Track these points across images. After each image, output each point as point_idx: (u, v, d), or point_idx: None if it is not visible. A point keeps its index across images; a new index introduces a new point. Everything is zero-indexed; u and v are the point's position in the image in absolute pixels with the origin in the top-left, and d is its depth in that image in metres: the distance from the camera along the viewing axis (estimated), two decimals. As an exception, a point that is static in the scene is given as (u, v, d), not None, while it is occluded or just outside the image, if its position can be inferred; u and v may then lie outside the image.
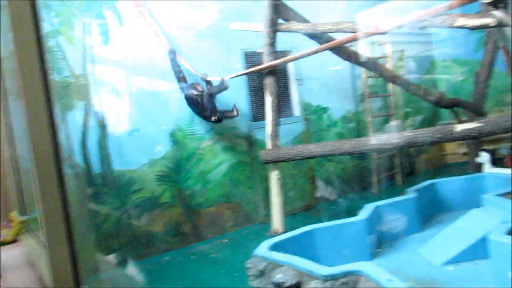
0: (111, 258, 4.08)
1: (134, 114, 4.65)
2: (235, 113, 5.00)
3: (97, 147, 4.37)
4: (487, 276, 2.81)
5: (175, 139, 4.88)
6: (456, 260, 3.09)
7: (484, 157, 5.13)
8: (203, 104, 4.65)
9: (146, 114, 4.73)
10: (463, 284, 2.77)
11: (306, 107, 5.97)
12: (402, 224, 3.88)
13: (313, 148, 4.38)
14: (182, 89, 4.72)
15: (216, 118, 4.72)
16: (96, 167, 4.35)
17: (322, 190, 5.95)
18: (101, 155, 4.40)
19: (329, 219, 3.50)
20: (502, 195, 3.65)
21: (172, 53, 4.71)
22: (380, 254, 3.54)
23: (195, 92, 4.64)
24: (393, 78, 5.31)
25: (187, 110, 4.90)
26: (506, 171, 4.96)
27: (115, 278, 3.17)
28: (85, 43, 4.39)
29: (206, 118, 4.76)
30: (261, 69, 4.74)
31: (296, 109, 5.95)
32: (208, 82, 4.83)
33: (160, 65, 4.81)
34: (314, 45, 4.67)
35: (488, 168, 5.10)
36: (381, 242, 3.73)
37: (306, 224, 3.37)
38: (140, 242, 4.56)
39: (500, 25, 3.11)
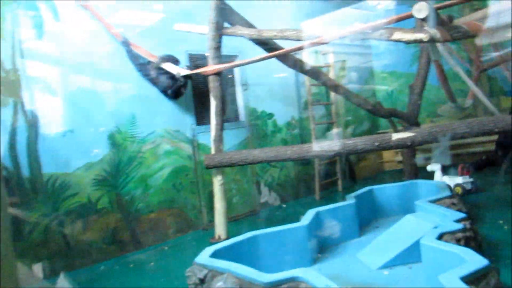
0: (38, 268, 3.78)
1: (69, 114, 4.38)
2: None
3: (26, 149, 4.04)
4: (420, 279, 2.93)
5: (114, 142, 4.65)
6: (391, 264, 3.19)
7: (435, 166, 5.43)
8: (160, 80, 4.81)
9: (83, 114, 4.47)
10: (397, 286, 2.87)
11: (251, 113, 5.97)
12: (342, 229, 3.96)
13: (257, 153, 4.37)
14: (143, 74, 4.81)
15: (173, 91, 4.86)
16: (25, 170, 4.02)
17: (266, 196, 5.98)
18: (31, 157, 4.07)
19: (273, 225, 3.49)
20: (434, 201, 3.86)
21: (125, 43, 4.60)
22: (320, 259, 3.59)
23: (152, 71, 4.77)
24: (335, 87, 5.48)
25: (128, 111, 4.70)
26: (454, 179, 5.31)
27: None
28: (16, 36, 4.06)
29: (167, 94, 4.96)
30: (206, 73, 4.67)
31: (242, 114, 5.93)
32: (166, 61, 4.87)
33: (100, 64, 4.58)
34: (259, 51, 4.69)
35: (439, 177, 5.41)
36: (322, 248, 3.79)
37: (250, 230, 3.33)
38: (73, 251, 4.27)
39: (432, 40, 3.29)
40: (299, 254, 3.37)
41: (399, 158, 7.16)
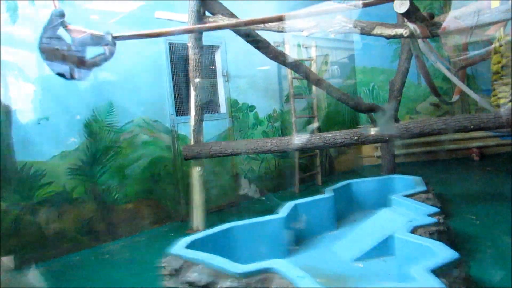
0: (9, 260, 3.68)
1: (44, 101, 4.26)
2: (107, 53, 3.77)
3: (-1, 136, 3.93)
4: (392, 271, 2.98)
5: (91, 130, 4.56)
6: (366, 256, 3.23)
7: None
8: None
9: (59, 101, 4.35)
10: (370, 279, 2.91)
11: (232, 104, 5.94)
12: (319, 222, 3.99)
13: (237, 145, 4.36)
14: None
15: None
16: (-4, 157, 3.90)
17: (246, 188, 5.98)
18: (4, 144, 3.95)
19: (251, 217, 3.49)
20: (410, 196, 3.93)
21: (59, 15, 3.56)
22: (297, 251, 3.61)
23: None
24: (317, 81, 5.48)
25: (105, 99, 4.61)
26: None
27: (12, 282, 2.86)
28: (-13, 18, 3.92)
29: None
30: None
31: (222, 106, 5.90)
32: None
33: (76, 49, 4.45)
34: (241, 42, 4.65)
35: None
36: (299, 240, 3.81)
37: (227, 222, 3.32)
38: (47, 241, 4.18)
39: (412, 36, 3.33)
40: (275, 246, 3.38)
41: (379, 153, 7.25)
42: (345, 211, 4.48)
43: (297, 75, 5.90)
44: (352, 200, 4.63)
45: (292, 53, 6.23)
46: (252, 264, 2.43)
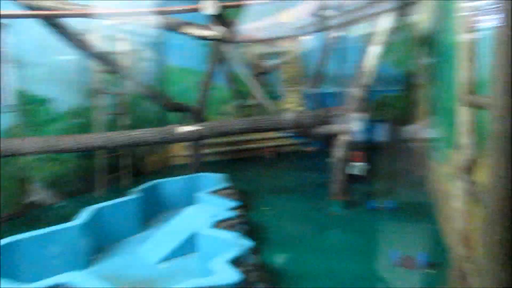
0: None
1: None
2: None
3: None
4: (196, 267, 3.05)
5: None
6: (170, 256, 3.22)
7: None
8: None
9: None
10: (175, 278, 2.91)
11: (22, 96, 5.08)
12: (123, 225, 3.78)
13: (21, 144, 3.71)
14: None
15: None
16: None
17: (37, 194, 5.19)
18: None
19: (43, 227, 3.03)
20: (213, 192, 4.11)
21: None
22: (98, 259, 3.32)
23: None
24: (127, 77, 5.21)
25: None
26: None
27: None
28: None
29: None
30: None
31: (5, 97, 4.96)
32: None
33: None
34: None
35: None
36: (101, 247, 3.52)
37: (8, 236, 2.80)
38: None
39: (218, 39, 3.48)
40: (71, 257, 3.03)
41: (187, 152, 7.39)
42: (153, 212, 4.38)
43: (104, 68, 5.46)
44: (160, 200, 4.57)
45: (100, 45, 5.75)
46: (39, 282, 2.10)
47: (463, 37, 1.71)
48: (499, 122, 1.10)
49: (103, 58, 4.89)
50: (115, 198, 3.85)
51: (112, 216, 3.64)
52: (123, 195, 4.12)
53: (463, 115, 1.74)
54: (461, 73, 1.74)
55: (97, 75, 5.83)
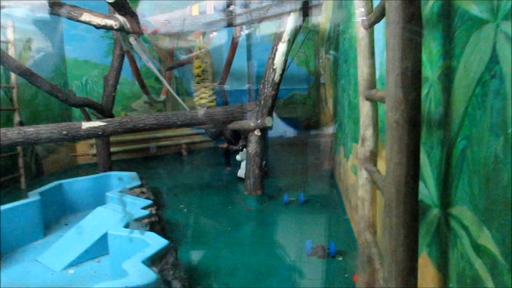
0: None
1: None
2: None
3: None
4: (107, 270, 2.89)
5: None
6: (78, 261, 3.01)
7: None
8: None
9: None
10: (84, 283, 2.72)
11: None
12: (21, 231, 3.43)
13: None
14: None
15: None
16: None
17: None
18: None
19: None
20: (123, 191, 3.92)
21: None
22: (-10, 271, 2.97)
23: None
24: (17, 68, 4.69)
25: None
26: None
27: None
28: None
29: None
30: None
31: None
32: None
33: None
34: None
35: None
36: (-5, 257, 3.16)
37: None
38: None
39: (122, 30, 3.31)
40: (-44, 271, 2.67)
41: (94, 151, 6.95)
42: (56, 216, 4.06)
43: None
44: (64, 203, 4.24)
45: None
46: None
47: (362, 36, 1.85)
48: (392, 113, 1.21)
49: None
50: (12, 202, 3.47)
51: (8, 221, 3.28)
52: (21, 198, 3.74)
53: (365, 109, 1.89)
54: (361, 70, 1.89)
55: (-16, 66, 5.18)
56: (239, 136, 5.55)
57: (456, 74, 1.24)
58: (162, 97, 6.61)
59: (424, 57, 1.46)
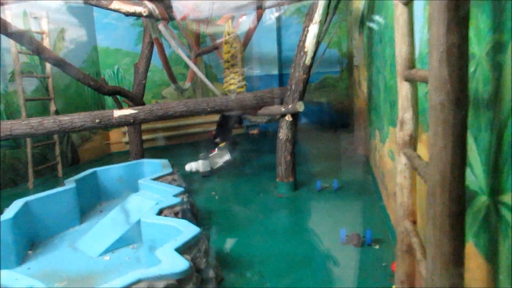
0: None
1: None
2: None
3: None
4: (141, 258, 2.95)
5: None
6: (113, 248, 3.09)
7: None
8: None
9: None
10: (119, 270, 2.79)
11: None
12: (59, 218, 3.56)
13: None
14: None
15: None
16: None
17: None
18: None
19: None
20: (157, 179, 3.99)
21: None
22: (32, 256, 3.11)
23: None
24: (52, 58, 4.82)
25: None
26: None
27: None
28: None
29: None
30: None
31: None
32: None
33: None
34: None
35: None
36: (35, 242, 3.30)
37: None
38: None
39: (151, 16, 3.31)
40: (1, 255, 2.80)
41: (126, 138, 7.11)
42: (91, 203, 4.19)
43: (24, 49, 5.02)
44: (99, 190, 4.37)
45: (16, 23, 5.27)
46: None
47: (400, 12, 1.75)
48: (436, 93, 1.13)
49: (21, 37, 4.48)
50: (49, 189, 3.61)
51: (46, 208, 3.41)
52: (57, 185, 3.88)
53: (403, 91, 1.79)
54: (399, 48, 1.79)
55: (17, 56, 5.36)
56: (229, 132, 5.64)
57: (507, 49, 1.14)
58: (187, 84, 6.63)
59: (471, 31, 1.35)
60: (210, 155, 5.77)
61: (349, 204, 4.05)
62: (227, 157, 5.75)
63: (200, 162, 5.60)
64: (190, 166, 5.65)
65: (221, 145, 5.89)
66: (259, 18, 5.06)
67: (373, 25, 4.41)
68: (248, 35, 5.21)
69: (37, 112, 5.76)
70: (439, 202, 1.11)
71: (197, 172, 5.59)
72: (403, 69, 1.79)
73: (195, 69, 4.60)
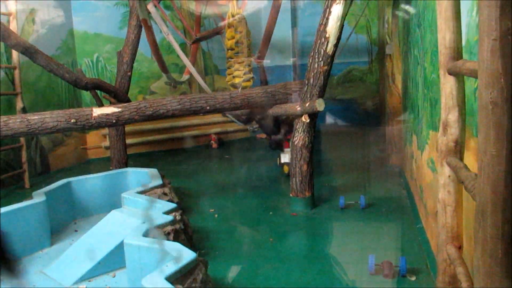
0: None
1: None
2: None
3: None
4: (123, 286, 2.97)
5: None
6: (89, 275, 3.11)
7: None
8: None
9: None
10: (97, 303, 2.82)
11: None
12: (25, 238, 3.60)
13: None
14: None
15: None
16: None
17: None
18: None
19: None
20: (142, 192, 4.01)
21: None
22: (-8, 284, 3.14)
23: None
24: (20, 45, 4.89)
25: None
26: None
27: None
28: None
29: None
30: None
31: None
32: None
33: None
34: None
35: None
36: (-5, 267, 3.34)
37: None
38: None
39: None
40: (-47, 284, 2.84)
41: (107, 143, 7.18)
42: (64, 220, 4.22)
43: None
44: (73, 205, 4.40)
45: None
46: None
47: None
48: (487, 90, 1.14)
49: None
50: (14, 203, 3.65)
51: (10, 226, 3.44)
52: (24, 199, 3.92)
53: (447, 87, 1.80)
54: (443, 35, 1.80)
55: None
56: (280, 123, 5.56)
57: None
58: (185, 76, 6.68)
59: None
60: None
61: (379, 225, 4.04)
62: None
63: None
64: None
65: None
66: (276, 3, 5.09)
67: (410, 6, 4.42)
68: (270, 24, 5.23)
69: (0, 109, 5.84)
70: (490, 222, 1.12)
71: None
72: (447, 61, 1.80)
73: (184, 59, 4.64)
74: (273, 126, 5.59)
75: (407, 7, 4.61)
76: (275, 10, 5.20)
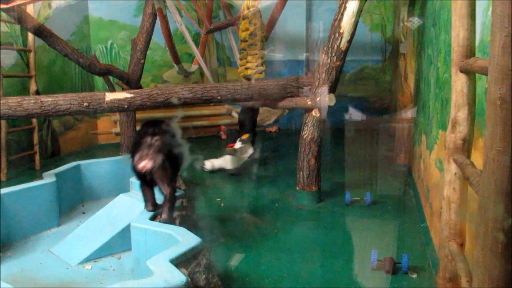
0: None
1: None
2: None
3: None
4: (131, 269, 3.01)
5: None
6: (95, 256, 3.17)
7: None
8: None
9: None
10: (102, 282, 2.86)
11: None
12: (34, 217, 3.66)
13: None
14: None
15: None
16: None
17: None
18: None
19: None
20: (151, 177, 4.05)
21: None
22: (1, 259, 3.21)
23: None
24: (35, 28, 4.95)
25: None
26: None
27: None
28: None
29: None
30: None
31: None
32: None
33: None
34: None
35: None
36: (5, 243, 3.40)
37: None
38: None
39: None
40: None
41: (118, 129, 7.22)
42: (72, 201, 4.28)
43: (5, 16, 5.16)
44: (82, 187, 4.46)
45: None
46: None
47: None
48: (497, 86, 1.15)
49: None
50: (24, 183, 3.70)
51: (20, 205, 3.50)
52: (34, 179, 3.97)
53: (458, 84, 1.81)
54: (457, 33, 1.80)
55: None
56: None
57: None
58: (194, 67, 6.69)
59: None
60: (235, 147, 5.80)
61: (383, 222, 4.05)
62: (251, 150, 5.80)
63: (227, 157, 5.64)
64: (212, 164, 5.70)
65: (244, 137, 5.89)
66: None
67: (425, 5, 4.40)
68: (274, 15, 5.24)
69: (14, 91, 5.90)
70: (491, 216, 1.13)
71: (220, 170, 5.63)
72: (460, 58, 1.80)
73: (194, 49, 4.65)
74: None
75: (421, 6, 4.59)
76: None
